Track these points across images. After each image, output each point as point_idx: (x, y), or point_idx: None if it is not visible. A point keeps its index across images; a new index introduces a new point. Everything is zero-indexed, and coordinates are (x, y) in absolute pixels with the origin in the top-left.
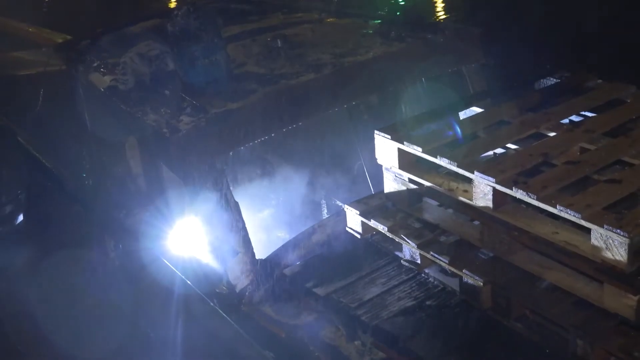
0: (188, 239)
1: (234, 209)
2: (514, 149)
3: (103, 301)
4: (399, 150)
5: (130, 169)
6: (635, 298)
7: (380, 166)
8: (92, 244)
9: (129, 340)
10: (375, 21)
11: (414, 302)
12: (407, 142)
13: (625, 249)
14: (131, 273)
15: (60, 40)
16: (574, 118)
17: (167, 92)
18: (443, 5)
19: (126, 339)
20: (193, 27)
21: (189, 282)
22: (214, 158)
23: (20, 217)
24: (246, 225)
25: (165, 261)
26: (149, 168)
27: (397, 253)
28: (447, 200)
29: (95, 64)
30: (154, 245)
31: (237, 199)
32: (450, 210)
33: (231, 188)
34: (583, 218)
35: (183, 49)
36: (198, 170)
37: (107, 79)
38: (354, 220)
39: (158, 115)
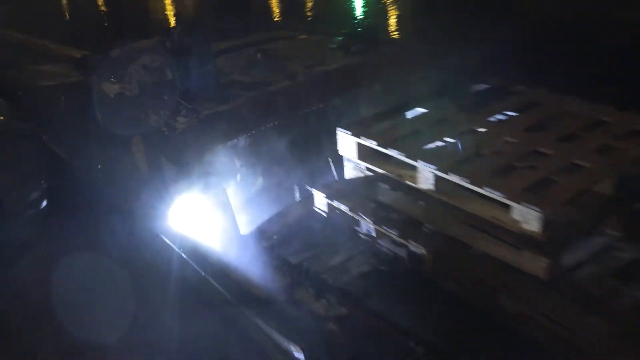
0: (184, 219)
1: (222, 194)
2: (451, 142)
3: (111, 270)
4: (358, 144)
5: (136, 161)
6: (547, 261)
7: (342, 157)
8: (103, 225)
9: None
10: (339, 38)
11: (370, 268)
12: (364, 137)
13: (539, 222)
14: (135, 248)
15: (77, 56)
16: (500, 117)
17: (165, 97)
18: (396, 25)
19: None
20: (187, 43)
21: (184, 255)
22: (205, 151)
23: (44, 203)
24: (232, 207)
25: (164, 238)
26: (151, 160)
27: (356, 228)
28: (397, 185)
29: (106, 75)
30: (155, 225)
31: (224, 185)
32: (399, 193)
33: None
34: (506, 197)
35: (179, 62)
36: (192, 162)
37: (116, 87)
38: (321, 202)
39: (158, 116)
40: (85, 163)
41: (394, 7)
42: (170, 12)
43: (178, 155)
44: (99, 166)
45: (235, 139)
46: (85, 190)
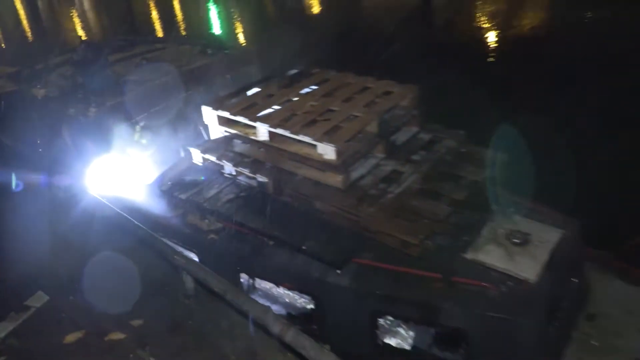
0: (103, 177)
1: (128, 157)
2: (277, 109)
3: (54, 212)
4: (217, 115)
5: (65, 141)
6: (341, 177)
7: (207, 125)
8: (44, 186)
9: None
10: (199, 45)
11: (234, 195)
12: (221, 110)
13: (334, 153)
14: (69, 200)
15: (11, 71)
16: (306, 90)
17: (79, 95)
18: (242, 33)
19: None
20: (90, 55)
21: (104, 201)
22: (112, 129)
23: None
24: (138, 163)
25: (91, 192)
26: (75, 140)
27: (222, 171)
28: (246, 139)
29: (34, 83)
30: (82, 184)
31: (130, 149)
32: (248, 144)
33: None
34: (313, 140)
35: (85, 70)
36: (104, 137)
37: (42, 91)
38: (197, 156)
39: (76, 109)
40: (26, 146)
41: (238, 20)
42: (78, 32)
43: (94, 135)
44: (38, 147)
45: (133, 119)
46: (28, 166)
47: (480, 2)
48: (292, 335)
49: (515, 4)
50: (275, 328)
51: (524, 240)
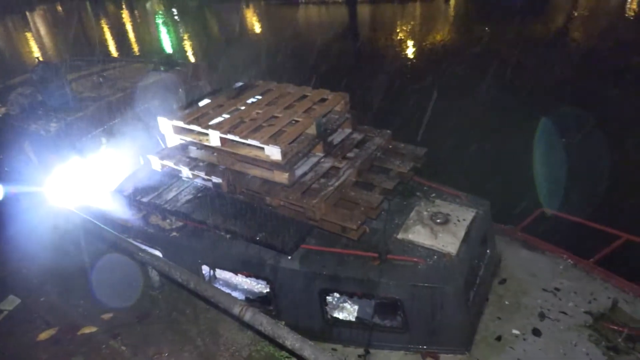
0: (67, 186)
1: (89, 167)
2: (227, 117)
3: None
4: (172, 125)
5: (29, 156)
6: (287, 174)
7: (164, 134)
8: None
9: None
10: (152, 63)
11: (191, 196)
12: (175, 120)
13: (280, 154)
14: (36, 209)
15: None
16: (252, 99)
17: (40, 112)
18: (191, 51)
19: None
20: (48, 74)
21: (71, 208)
22: (73, 142)
23: None
24: (99, 172)
25: (57, 201)
26: (38, 154)
27: (180, 175)
28: (200, 145)
29: None
30: (47, 193)
31: (91, 160)
32: (202, 150)
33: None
34: (261, 143)
35: (44, 88)
36: (65, 150)
37: (3, 109)
38: (156, 163)
39: (37, 125)
40: None
41: (188, 39)
42: (36, 54)
43: (55, 148)
44: (3, 163)
45: (93, 133)
46: None
47: (398, 20)
48: (250, 315)
49: (426, 22)
50: (235, 310)
51: (445, 220)
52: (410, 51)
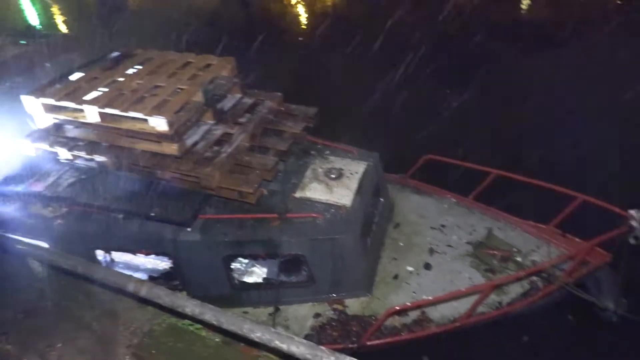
0: None
1: None
2: (104, 90)
3: None
4: (42, 103)
5: None
6: (176, 145)
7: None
8: None
9: None
10: (9, 36)
11: (74, 179)
12: (43, 97)
13: (166, 125)
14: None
15: None
16: (132, 70)
17: None
18: (61, 21)
19: None
20: None
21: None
22: None
23: None
24: None
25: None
26: None
27: (57, 157)
28: (77, 124)
29: None
30: None
31: None
32: (80, 128)
33: None
34: (144, 114)
35: None
36: None
37: None
38: (27, 147)
39: None
40: None
41: (55, 8)
42: None
43: None
44: None
45: None
46: None
47: None
48: (146, 290)
49: None
50: (130, 287)
51: (339, 175)
52: (298, 18)
